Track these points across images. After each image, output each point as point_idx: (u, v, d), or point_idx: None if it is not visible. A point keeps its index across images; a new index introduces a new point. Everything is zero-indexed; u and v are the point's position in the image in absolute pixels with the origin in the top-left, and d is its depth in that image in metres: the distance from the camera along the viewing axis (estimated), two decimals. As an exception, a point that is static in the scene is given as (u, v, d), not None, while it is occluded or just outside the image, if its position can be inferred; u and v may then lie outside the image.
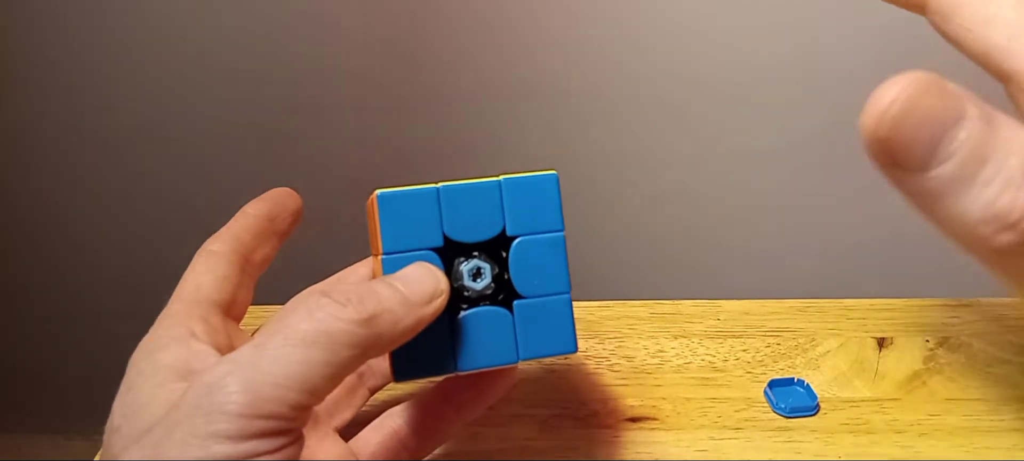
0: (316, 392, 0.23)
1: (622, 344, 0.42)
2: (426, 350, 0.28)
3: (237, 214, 0.31)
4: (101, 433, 0.38)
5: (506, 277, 0.29)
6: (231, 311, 0.29)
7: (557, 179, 0.29)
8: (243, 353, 0.23)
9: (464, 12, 0.71)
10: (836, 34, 0.69)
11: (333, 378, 0.24)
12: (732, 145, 0.75)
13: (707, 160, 0.76)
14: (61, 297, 0.92)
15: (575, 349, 0.29)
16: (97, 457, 0.37)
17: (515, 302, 0.29)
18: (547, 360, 0.40)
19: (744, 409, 0.38)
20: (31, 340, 0.97)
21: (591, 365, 0.41)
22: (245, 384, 0.22)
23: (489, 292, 0.29)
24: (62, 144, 0.83)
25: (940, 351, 0.41)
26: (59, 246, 0.89)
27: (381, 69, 0.74)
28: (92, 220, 0.87)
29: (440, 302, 0.27)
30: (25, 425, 1.03)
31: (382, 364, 0.34)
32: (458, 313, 0.29)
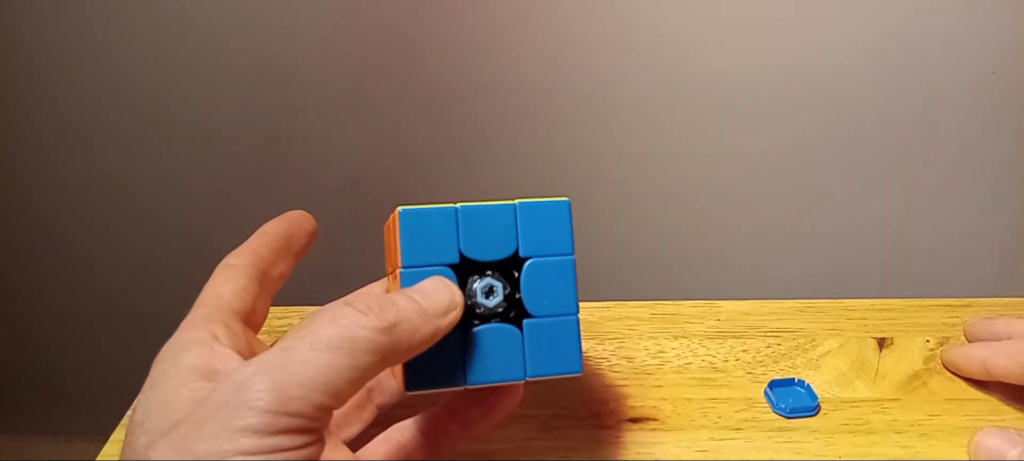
0: (339, 395, 0.24)
1: (622, 344, 0.42)
2: (438, 363, 0.29)
3: (255, 233, 0.33)
4: (101, 435, 0.38)
5: (517, 296, 0.30)
6: (250, 321, 0.30)
7: (569, 205, 0.31)
8: (270, 355, 0.24)
9: (465, 13, 0.71)
10: (836, 35, 0.69)
11: (355, 382, 0.25)
12: (732, 145, 0.75)
13: (707, 160, 0.76)
14: (62, 298, 0.92)
15: (580, 370, 0.30)
16: (99, 457, 0.37)
17: (525, 321, 0.30)
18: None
19: (744, 409, 0.38)
20: (31, 340, 0.97)
21: (591, 365, 0.41)
22: (273, 383, 0.23)
23: (500, 310, 0.30)
24: (62, 146, 0.83)
25: (940, 351, 0.41)
26: (60, 247, 0.89)
27: (383, 70, 0.74)
28: (92, 221, 0.87)
29: (455, 314, 0.28)
30: (25, 425, 1.03)
31: (390, 382, 0.35)
32: (470, 329, 0.29)
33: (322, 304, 0.27)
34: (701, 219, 0.79)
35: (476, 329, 0.30)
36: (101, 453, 0.37)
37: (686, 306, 0.45)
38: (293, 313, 0.44)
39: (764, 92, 0.72)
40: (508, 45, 0.72)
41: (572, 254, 0.30)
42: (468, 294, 0.30)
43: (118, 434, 0.38)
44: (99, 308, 0.91)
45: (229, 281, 0.30)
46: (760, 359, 0.41)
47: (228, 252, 0.32)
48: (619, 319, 0.44)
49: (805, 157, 0.75)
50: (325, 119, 0.77)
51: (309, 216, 0.34)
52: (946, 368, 0.40)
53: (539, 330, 0.30)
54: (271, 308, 0.40)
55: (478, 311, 0.30)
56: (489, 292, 0.30)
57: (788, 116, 0.73)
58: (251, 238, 0.32)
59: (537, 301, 0.30)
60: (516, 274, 0.30)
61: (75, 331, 0.94)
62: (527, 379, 0.30)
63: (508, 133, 0.76)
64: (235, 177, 0.79)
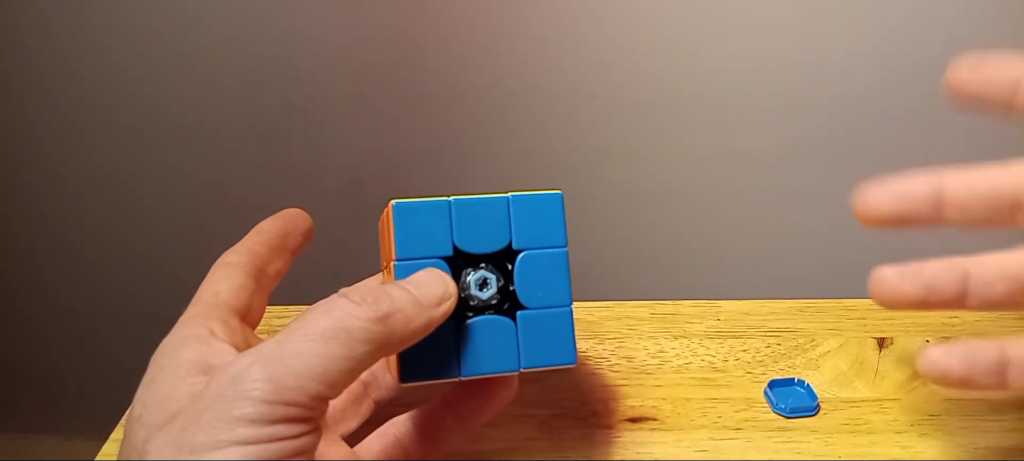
0: (334, 385, 0.25)
1: (622, 344, 0.42)
2: (432, 354, 0.29)
3: (251, 231, 0.33)
4: (101, 433, 0.38)
5: (511, 288, 0.30)
6: (247, 317, 0.30)
7: (562, 198, 0.31)
8: (266, 346, 0.25)
9: (465, 13, 0.71)
10: (836, 35, 0.69)
11: (350, 372, 0.25)
12: (731, 145, 0.75)
13: (707, 160, 0.76)
14: (62, 298, 0.92)
15: (574, 361, 0.31)
16: (98, 456, 0.37)
17: (519, 313, 0.30)
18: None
19: (744, 409, 0.38)
20: (31, 340, 0.97)
21: (591, 365, 0.41)
22: (269, 373, 0.24)
23: (494, 302, 0.30)
24: (61, 146, 0.83)
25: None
26: (60, 247, 0.89)
27: (383, 70, 0.74)
28: (92, 221, 0.87)
29: (449, 305, 0.28)
30: (25, 424, 1.03)
31: (387, 377, 0.35)
32: (464, 321, 0.30)
33: (321, 303, 0.27)
34: (701, 219, 0.79)
35: (470, 321, 0.30)
36: (100, 452, 0.37)
37: (686, 306, 0.45)
38: (292, 312, 0.44)
39: (764, 92, 0.72)
40: (508, 45, 0.72)
41: (565, 246, 0.31)
42: (462, 286, 0.30)
43: (117, 433, 0.38)
44: (99, 308, 0.91)
45: (226, 278, 0.30)
46: (760, 359, 0.41)
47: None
48: (619, 319, 0.44)
49: (805, 157, 0.75)
50: (325, 119, 0.77)
51: (305, 214, 0.34)
52: (953, 91, 0.32)
53: (533, 322, 0.30)
54: (270, 307, 0.40)
55: (472, 303, 0.30)
56: (483, 284, 0.30)
57: (788, 116, 0.73)
58: (247, 236, 0.33)
59: (530, 293, 0.30)
60: (510, 266, 0.30)
61: (75, 331, 0.94)
62: (521, 370, 0.30)
63: (508, 133, 0.76)
64: (235, 177, 0.79)
